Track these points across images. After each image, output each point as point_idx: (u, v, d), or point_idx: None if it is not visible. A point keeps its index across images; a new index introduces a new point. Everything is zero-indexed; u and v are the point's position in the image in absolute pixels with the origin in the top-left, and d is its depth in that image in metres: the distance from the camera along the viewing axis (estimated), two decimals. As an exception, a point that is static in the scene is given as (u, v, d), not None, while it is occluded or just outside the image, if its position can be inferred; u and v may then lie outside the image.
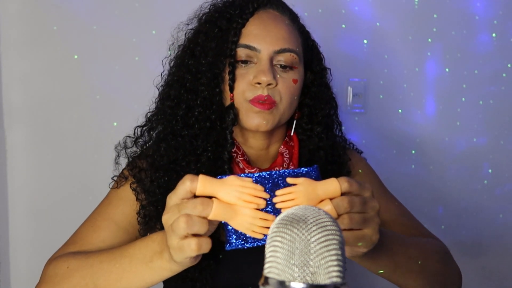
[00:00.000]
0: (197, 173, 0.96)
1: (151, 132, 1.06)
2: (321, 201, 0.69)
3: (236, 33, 0.96)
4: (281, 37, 0.97)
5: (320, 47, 1.11)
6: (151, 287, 0.82)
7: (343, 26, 1.67)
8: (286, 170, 0.71)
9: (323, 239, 0.52)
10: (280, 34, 0.97)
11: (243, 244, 0.70)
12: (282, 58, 0.97)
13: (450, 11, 1.70)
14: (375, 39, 1.68)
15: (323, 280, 0.51)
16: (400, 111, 1.72)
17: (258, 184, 0.69)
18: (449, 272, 1.02)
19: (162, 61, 1.11)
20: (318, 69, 1.08)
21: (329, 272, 0.52)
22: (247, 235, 0.69)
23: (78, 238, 0.98)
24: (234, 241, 0.70)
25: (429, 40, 1.71)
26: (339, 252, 0.53)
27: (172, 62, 1.08)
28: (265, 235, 0.69)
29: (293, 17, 1.03)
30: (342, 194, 0.69)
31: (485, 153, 1.76)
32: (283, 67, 0.98)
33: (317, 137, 1.05)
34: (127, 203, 1.00)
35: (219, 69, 0.97)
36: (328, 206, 0.68)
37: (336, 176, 0.72)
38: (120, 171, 1.07)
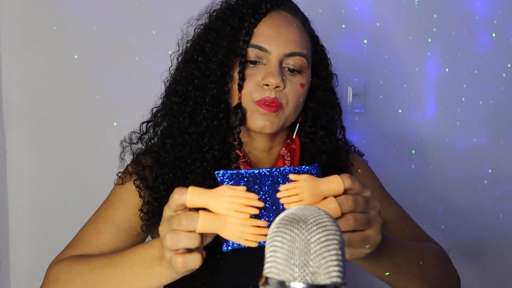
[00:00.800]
0: (202, 171, 0.96)
1: (156, 128, 1.06)
2: (324, 198, 0.69)
3: (248, 32, 0.96)
4: (292, 40, 0.97)
5: (331, 65, 1.11)
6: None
7: (343, 26, 1.67)
8: (287, 168, 0.70)
9: (323, 239, 0.52)
10: (291, 37, 0.97)
11: (240, 245, 0.69)
12: (291, 62, 0.97)
13: (450, 11, 1.70)
14: (375, 39, 1.68)
15: (323, 280, 0.51)
16: (400, 111, 1.72)
17: (256, 184, 0.68)
18: (449, 277, 1.02)
19: (170, 56, 1.10)
20: (325, 74, 1.08)
21: (329, 272, 0.52)
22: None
23: (80, 241, 0.98)
24: (231, 243, 0.69)
25: (429, 40, 1.71)
26: (339, 252, 0.53)
27: (180, 58, 1.07)
28: (259, 242, 0.68)
29: (304, 21, 1.04)
30: (345, 191, 0.69)
31: (485, 153, 1.76)
32: (291, 70, 0.98)
33: (320, 141, 1.05)
34: (129, 205, 1.00)
35: (229, 68, 0.97)
36: (333, 204, 0.68)
37: None
38: (125, 167, 1.06)
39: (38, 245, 1.61)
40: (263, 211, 0.68)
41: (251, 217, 0.68)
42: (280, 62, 0.96)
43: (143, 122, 1.09)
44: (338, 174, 0.70)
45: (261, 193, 0.69)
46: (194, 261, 0.68)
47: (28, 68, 1.57)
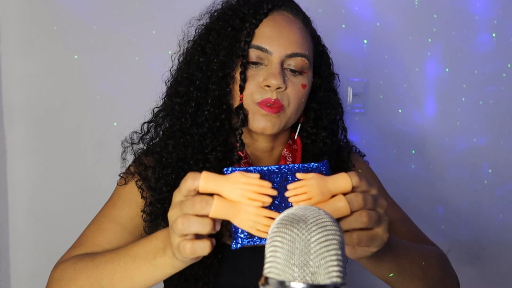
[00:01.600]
0: None
1: (158, 129, 1.06)
2: (333, 196, 0.68)
3: (249, 33, 0.96)
4: (293, 41, 0.96)
5: (333, 64, 1.11)
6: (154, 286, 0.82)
7: (343, 26, 1.67)
8: (296, 165, 0.70)
9: (323, 239, 0.52)
10: (293, 37, 0.97)
11: (249, 242, 0.68)
12: (293, 62, 0.97)
13: (450, 11, 1.70)
14: (375, 39, 1.68)
15: (323, 280, 0.51)
16: (400, 111, 1.72)
17: (265, 180, 0.67)
18: (449, 279, 1.02)
19: (171, 56, 1.09)
20: (326, 74, 1.07)
21: (329, 272, 0.52)
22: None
23: (84, 241, 0.98)
24: (240, 240, 0.68)
25: (429, 40, 1.71)
26: (339, 252, 0.53)
27: (181, 58, 1.07)
28: None
29: (306, 21, 1.03)
30: (352, 189, 0.69)
31: (485, 153, 1.76)
32: (293, 71, 0.97)
33: (322, 142, 1.05)
34: (132, 205, 1.00)
35: (230, 69, 0.97)
36: (342, 203, 0.67)
37: None
38: (126, 167, 1.06)
39: (38, 245, 1.61)
40: (272, 208, 0.67)
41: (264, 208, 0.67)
42: (282, 63, 0.96)
43: (144, 123, 1.09)
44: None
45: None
46: (204, 248, 0.67)
47: (28, 68, 1.57)
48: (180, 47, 1.09)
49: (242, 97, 0.97)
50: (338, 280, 0.52)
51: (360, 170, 1.13)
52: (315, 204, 0.67)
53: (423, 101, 1.73)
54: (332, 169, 1.04)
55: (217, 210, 0.65)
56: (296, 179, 0.69)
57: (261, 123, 0.96)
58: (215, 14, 1.04)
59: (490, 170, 1.77)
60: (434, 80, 1.72)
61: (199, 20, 1.08)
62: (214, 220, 0.67)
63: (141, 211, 0.99)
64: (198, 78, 1.00)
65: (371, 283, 1.56)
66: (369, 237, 0.70)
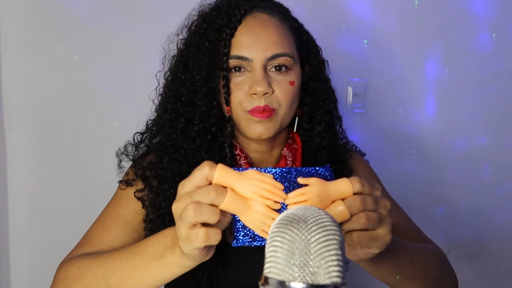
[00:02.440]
0: None
1: (152, 141, 1.06)
2: (333, 201, 0.68)
3: (226, 44, 0.95)
4: (272, 42, 0.95)
5: (322, 50, 1.10)
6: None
7: (343, 26, 1.67)
8: (303, 168, 0.70)
9: (323, 239, 0.52)
10: (270, 39, 0.95)
11: (251, 242, 0.68)
12: (276, 63, 0.96)
13: (450, 11, 1.70)
14: (375, 39, 1.68)
15: (323, 280, 0.51)
16: (400, 111, 1.72)
17: (278, 182, 0.67)
18: (447, 277, 1.02)
19: (156, 75, 1.10)
20: (316, 63, 1.06)
21: (329, 272, 0.52)
22: (255, 233, 0.67)
23: (89, 239, 0.97)
24: (241, 238, 0.68)
25: (429, 40, 1.71)
26: (339, 252, 0.53)
27: (167, 75, 1.07)
28: None
29: (283, 16, 1.00)
30: (354, 194, 0.68)
31: (485, 153, 1.76)
32: (279, 69, 0.96)
33: (319, 137, 1.04)
34: (136, 202, 1.00)
35: (214, 83, 0.96)
36: (340, 207, 0.67)
37: (339, 175, 0.71)
38: (124, 173, 1.07)
39: (38, 245, 1.61)
40: (281, 211, 0.67)
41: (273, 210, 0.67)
42: (264, 67, 0.95)
43: (137, 133, 1.09)
44: (339, 170, 0.70)
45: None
46: (217, 235, 0.66)
47: (28, 68, 1.57)
48: (163, 64, 1.09)
49: (229, 110, 0.97)
50: (338, 280, 0.52)
51: (360, 171, 1.13)
52: None
53: (423, 101, 1.73)
54: (331, 163, 1.04)
55: (229, 202, 0.65)
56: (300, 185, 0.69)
57: (255, 130, 0.96)
58: (192, 27, 1.04)
59: (490, 170, 1.77)
60: (434, 80, 1.72)
61: (178, 35, 1.07)
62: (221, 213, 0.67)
63: (143, 221, 0.99)
64: (184, 94, 1.00)
65: (371, 283, 1.56)
66: (369, 237, 0.70)
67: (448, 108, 1.73)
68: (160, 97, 1.08)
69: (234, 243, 0.68)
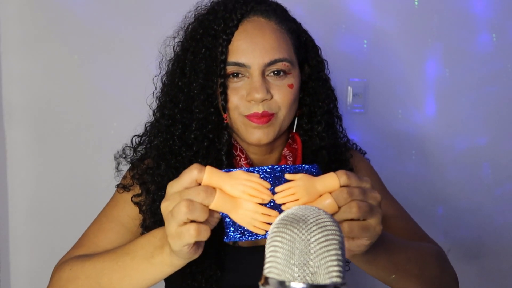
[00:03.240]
0: None
1: (150, 144, 1.06)
2: (320, 196, 0.69)
3: (223, 51, 0.93)
4: (269, 48, 0.94)
5: (321, 49, 1.09)
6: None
7: (343, 26, 1.67)
8: (288, 166, 0.71)
9: (323, 239, 0.52)
10: (268, 45, 0.94)
11: (241, 237, 0.70)
12: (273, 68, 0.95)
13: (450, 11, 1.70)
14: (375, 39, 1.68)
15: (323, 280, 0.51)
16: (400, 111, 1.72)
17: (265, 181, 0.69)
18: (447, 276, 1.02)
19: (153, 80, 1.09)
20: (315, 62, 1.05)
21: (329, 272, 0.52)
22: (244, 228, 0.70)
23: (85, 241, 0.97)
24: (232, 233, 0.70)
25: (429, 40, 1.71)
26: (339, 252, 0.53)
27: (164, 79, 1.06)
28: (267, 232, 0.68)
29: (280, 19, 0.99)
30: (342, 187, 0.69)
31: (485, 153, 1.76)
32: (277, 73, 0.95)
33: (319, 137, 1.03)
34: (133, 206, 1.00)
35: (211, 89, 0.95)
36: (328, 200, 0.68)
37: None
38: (122, 177, 1.07)
39: (38, 245, 1.61)
40: (268, 206, 0.70)
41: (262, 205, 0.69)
42: (262, 73, 0.94)
43: (135, 136, 1.09)
44: (339, 169, 0.70)
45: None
46: (207, 231, 0.68)
47: (28, 68, 1.57)
48: (160, 68, 1.08)
49: (226, 117, 0.96)
50: (338, 280, 0.52)
51: (361, 169, 1.13)
52: (302, 204, 0.68)
53: (423, 101, 1.73)
54: (332, 163, 1.04)
55: (219, 202, 0.68)
56: (286, 180, 0.70)
57: (254, 135, 0.95)
58: (189, 30, 1.03)
59: (490, 170, 1.77)
60: (434, 80, 1.72)
61: (174, 38, 1.06)
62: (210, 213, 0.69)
63: (140, 226, 0.99)
64: (181, 100, 0.99)
65: (371, 283, 1.56)
66: (360, 227, 0.70)
67: (448, 108, 1.73)
68: (157, 101, 1.07)
69: (225, 239, 0.70)
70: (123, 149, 1.09)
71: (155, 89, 1.09)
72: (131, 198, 1.00)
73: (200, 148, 0.97)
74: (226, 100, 0.95)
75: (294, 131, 1.05)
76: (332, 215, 0.68)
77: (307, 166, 0.72)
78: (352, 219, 0.69)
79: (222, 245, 1.00)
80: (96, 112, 1.60)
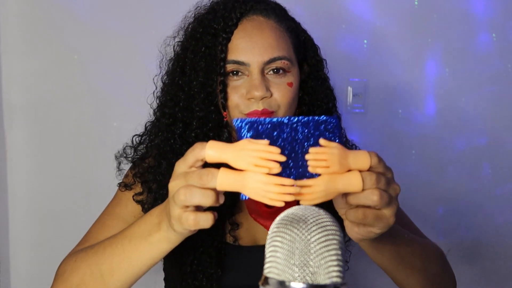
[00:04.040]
0: None
1: (151, 143, 1.06)
2: (348, 170, 0.67)
3: (222, 49, 0.94)
4: (268, 46, 0.95)
5: (320, 48, 1.09)
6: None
7: (343, 26, 1.67)
8: (305, 117, 0.67)
9: (323, 239, 0.52)
10: (267, 43, 0.95)
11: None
12: (273, 66, 0.95)
13: (450, 11, 1.70)
14: (375, 39, 1.68)
15: (323, 280, 0.51)
16: (400, 111, 1.72)
17: (275, 146, 0.65)
18: (447, 276, 1.02)
19: (153, 79, 1.10)
20: (314, 62, 1.06)
21: (329, 272, 0.52)
22: None
23: (88, 238, 0.98)
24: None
25: (429, 40, 1.71)
26: (339, 252, 0.53)
27: (164, 78, 1.07)
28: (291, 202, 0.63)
29: (279, 17, 1.00)
30: (370, 168, 0.68)
31: (485, 153, 1.76)
32: (276, 72, 0.96)
33: None
34: (135, 204, 1.00)
35: (211, 88, 0.96)
36: (357, 178, 0.66)
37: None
38: (124, 175, 1.07)
39: (38, 245, 1.61)
40: (284, 166, 0.65)
41: (274, 174, 0.64)
42: (262, 71, 0.95)
43: (135, 135, 1.09)
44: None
45: (280, 140, 0.67)
46: (206, 220, 0.66)
47: (28, 68, 1.57)
48: (160, 68, 1.09)
49: (226, 114, 0.97)
50: (338, 280, 0.52)
51: None
52: (331, 173, 0.65)
53: (423, 101, 1.73)
54: None
55: (224, 182, 0.64)
56: (305, 130, 0.67)
57: None
58: (189, 29, 1.03)
59: (490, 170, 1.77)
60: (434, 80, 1.72)
61: (174, 38, 1.07)
62: (217, 193, 0.66)
63: None
64: (182, 99, 1.00)
65: (371, 283, 1.56)
66: (375, 216, 0.69)
67: (448, 108, 1.73)
68: (158, 101, 1.07)
69: (242, 196, 0.65)
70: (124, 149, 1.09)
71: (156, 89, 1.09)
72: (133, 196, 1.00)
73: None
74: (226, 98, 0.95)
75: None
76: (354, 195, 0.67)
77: (325, 116, 0.68)
78: (368, 206, 0.69)
79: (223, 244, 1.00)
80: (96, 112, 1.60)
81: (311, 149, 0.66)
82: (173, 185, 0.68)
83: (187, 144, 0.98)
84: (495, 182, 1.77)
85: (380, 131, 1.71)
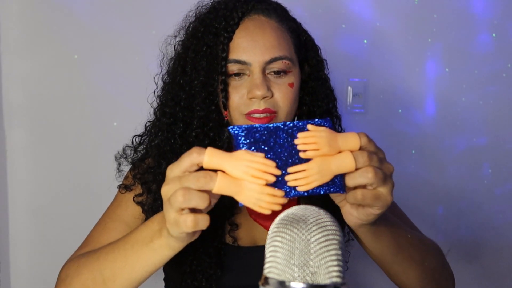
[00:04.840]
0: None
1: (152, 143, 1.06)
2: (339, 152, 0.68)
3: (224, 48, 0.94)
4: (270, 46, 0.94)
5: (321, 49, 1.09)
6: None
7: (343, 26, 1.67)
8: (300, 121, 0.69)
9: (323, 239, 0.52)
10: (268, 42, 0.95)
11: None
12: (274, 66, 0.95)
13: (450, 11, 1.70)
14: (375, 39, 1.68)
15: (323, 280, 0.51)
16: (400, 111, 1.72)
17: (270, 160, 0.67)
18: (445, 273, 1.02)
19: (154, 78, 1.10)
20: (315, 62, 1.06)
21: (329, 272, 0.52)
22: None
23: (90, 241, 0.98)
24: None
25: (429, 40, 1.71)
26: (339, 252, 0.53)
27: (165, 77, 1.07)
28: (282, 181, 0.66)
29: (280, 17, 1.00)
30: (360, 149, 0.68)
31: (485, 153, 1.76)
32: (277, 73, 0.96)
33: None
34: (136, 206, 1.00)
35: (212, 87, 0.96)
36: (349, 158, 0.67)
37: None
38: (124, 177, 1.07)
39: (38, 245, 1.61)
40: (278, 161, 0.67)
41: (267, 185, 0.66)
42: (263, 71, 0.94)
43: (135, 136, 1.09)
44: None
45: (277, 145, 0.68)
46: (204, 221, 0.67)
47: (28, 68, 1.57)
48: (161, 67, 1.08)
49: (226, 114, 0.96)
50: (338, 280, 0.52)
51: None
52: (322, 155, 0.66)
53: (423, 101, 1.73)
54: None
55: (221, 186, 0.65)
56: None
57: None
58: (190, 29, 1.03)
59: (490, 170, 1.77)
60: (434, 80, 1.72)
61: (175, 37, 1.07)
62: (210, 196, 0.67)
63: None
64: (182, 98, 0.99)
65: (371, 283, 1.56)
66: (373, 195, 0.70)
67: (448, 108, 1.73)
68: (158, 100, 1.07)
69: (241, 203, 0.68)
70: (124, 150, 1.09)
71: (156, 88, 1.09)
72: (133, 198, 1.00)
73: (200, 146, 0.97)
74: (226, 98, 0.95)
75: None
76: (350, 175, 0.68)
77: (320, 120, 0.70)
78: (364, 187, 0.69)
79: (222, 245, 1.00)
80: (96, 112, 1.60)
81: (299, 134, 0.67)
82: (166, 190, 0.68)
83: (187, 144, 0.98)
84: (495, 182, 1.77)
85: (380, 131, 1.71)
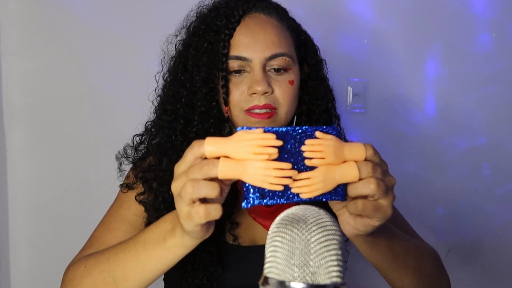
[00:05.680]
0: None
1: (152, 142, 1.06)
2: (344, 161, 0.68)
3: (225, 45, 0.95)
4: (270, 42, 0.96)
5: (320, 49, 1.10)
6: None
7: (343, 26, 1.67)
8: (309, 127, 0.68)
9: (323, 239, 0.52)
10: (269, 39, 0.96)
11: (261, 200, 0.66)
12: (275, 63, 0.96)
13: (450, 11, 1.70)
14: (375, 39, 1.68)
15: (323, 280, 0.51)
16: (400, 111, 1.72)
17: (269, 133, 0.66)
18: (441, 278, 1.02)
19: (155, 77, 1.10)
20: (314, 62, 1.07)
21: (329, 272, 0.52)
22: (265, 190, 0.66)
23: (93, 242, 0.98)
24: (252, 200, 0.66)
25: (429, 40, 1.71)
26: (339, 252, 0.53)
27: (166, 76, 1.08)
28: (286, 186, 0.65)
29: (280, 16, 1.01)
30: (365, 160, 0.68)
31: (485, 153, 1.76)
32: (277, 70, 0.97)
33: None
34: (138, 204, 1.01)
35: (213, 83, 0.97)
36: (353, 168, 0.67)
37: None
38: (125, 176, 1.07)
39: (38, 245, 1.61)
40: (292, 159, 0.67)
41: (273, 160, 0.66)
42: (264, 67, 0.96)
43: (136, 135, 1.10)
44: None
45: (284, 151, 0.67)
46: (216, 210, 0.66)
47: (28, 68, 1.57)
48: (162, 66, 1.09)
49: (227, 110, 0.97)
50: (338, 280, 0.52)
51: None
52: (327, 164, 0.66)
53: (423, 101, 1.73)
54: None
55: (224, 170, 0.65)
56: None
57: None
58: (191, 28, 1.04)
59: (490, 170, 1.77)
60: (434, 80, 1.72)
61: (176, 36, 1.08)
62: (220, 185, 0.67)
63: (145, 225, 0.99)
64: (184, 95, 1.00)
65: (371, 283, 1.56)
66: (373, 207, 0.70)
67: (448, 108, 1.73)
68: (159, 98, 1.08)
69: (244, 205, 0.66)
70: (124, 149, 1.10)
71: (157, 86, 1.10)
72: (135, 197, 1.01)
73: None
74: (227, 94, 0.96)
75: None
76: (352, 185, 0.68)
77: (326, 127, 0.69)
78: (366, 197, 0.69)
79: (223, 243, 1.00)
80: (96, 112, 1.60)
81: (307, 141, 0.67)
82: (175, 185, 0.68)
83: (188, 141, 0.98)
84: (495, 182, 1.77)
85: (380, 131, 1.71)
